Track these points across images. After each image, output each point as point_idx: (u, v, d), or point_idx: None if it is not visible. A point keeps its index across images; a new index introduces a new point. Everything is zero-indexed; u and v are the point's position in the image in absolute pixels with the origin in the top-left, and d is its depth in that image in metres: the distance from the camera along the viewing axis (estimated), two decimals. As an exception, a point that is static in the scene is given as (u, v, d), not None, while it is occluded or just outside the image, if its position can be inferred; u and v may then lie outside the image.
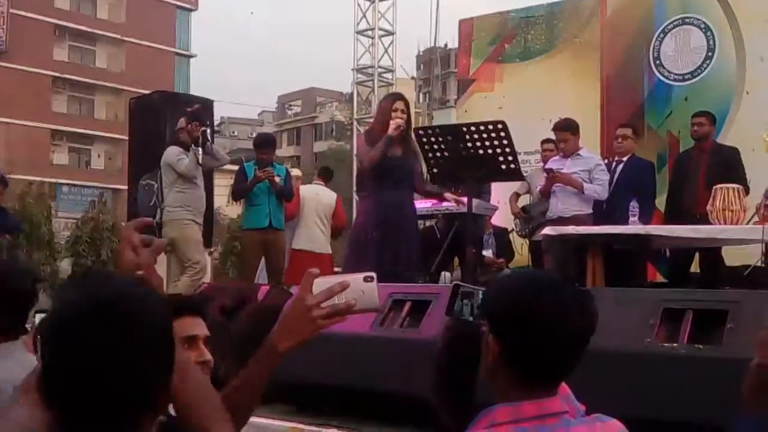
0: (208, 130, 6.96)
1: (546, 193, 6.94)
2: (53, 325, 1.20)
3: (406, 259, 5.77)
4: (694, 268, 6.93)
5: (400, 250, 5.75)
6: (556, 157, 7.07)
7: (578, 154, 6.82)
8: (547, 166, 7.05)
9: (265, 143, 7.84)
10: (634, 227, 6.09)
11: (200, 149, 6.83)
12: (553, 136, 7.23)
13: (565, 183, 6.66)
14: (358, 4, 19.09)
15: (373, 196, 5.96)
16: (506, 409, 1.56)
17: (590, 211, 6.68)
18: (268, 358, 1.62)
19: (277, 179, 7.44)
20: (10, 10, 36.25)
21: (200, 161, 6.88)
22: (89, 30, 39.83)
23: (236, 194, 7.77)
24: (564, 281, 1.73)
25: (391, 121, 5.72)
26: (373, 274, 1.62)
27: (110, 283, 1.27)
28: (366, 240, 5.82)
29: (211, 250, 7.91)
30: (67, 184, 37.17)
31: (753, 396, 1.45)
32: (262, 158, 7.58)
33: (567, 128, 6.86)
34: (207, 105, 7.25)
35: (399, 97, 6.19)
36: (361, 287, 1.59)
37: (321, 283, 1.58)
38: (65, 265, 21.46)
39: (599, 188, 6.66)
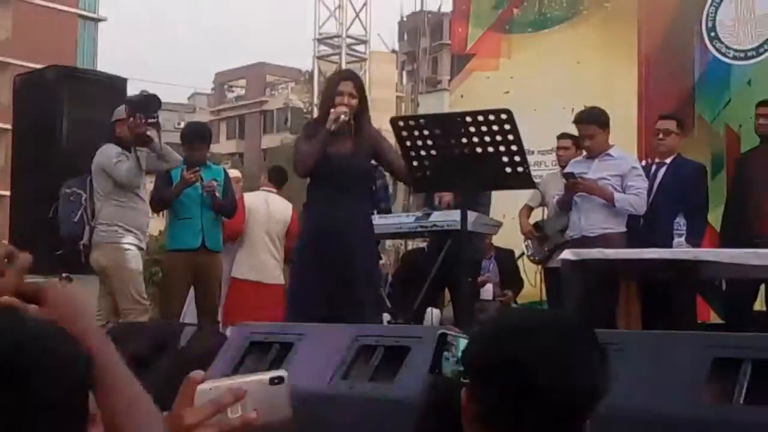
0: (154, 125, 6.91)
1: (565, 205, 6.96)
2: None
3: (360, 288, 5.77)
4: (759, 305, 6.99)
5: (351, 275, 5.74)
6: (579, 158, 7.10)
7: (608, 154, 6.84)
8: (567, 170, 7.07)
9: (195, 136, 7.82)
10: (679, 251, 6.12)
11: (145, 150, 6.80)
12: (574, 130, 7.27)
13: (591, 192, 6.68)
14: (321, -46, 19.15)
15: (313, 206, 6.00)
16: None
17: (623, 229, 6.71)
18: None
19: (214, 184, 7.42)
20: None
21: (143, 166, 6.86)
22: (-37, -17, 39.71)
23: (157, 204, 7.71)
24: (568, 323, 1.73)
25: (331, 111, 5.73)
26: (284, 374, 1.56)
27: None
28: (307, 265, 5.82)
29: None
30: (-68, 189, 36.95)
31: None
32: (193, 155, 7.57)
33: (593, 120, 6.89)
34: (151, 95, 7.19)
35: (346, 75, 6.22)
36: (266, 392, 1.53)
37: (206, 392, 1.50)
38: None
39: (635, 199, 6.69)
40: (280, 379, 1.54)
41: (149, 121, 6.79)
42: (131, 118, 6.76)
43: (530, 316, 1.93)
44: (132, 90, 8.09)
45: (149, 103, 6.97)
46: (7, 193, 8.27)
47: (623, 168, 6.79)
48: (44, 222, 7.31)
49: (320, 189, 5.92)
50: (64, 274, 7.07)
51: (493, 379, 1.60)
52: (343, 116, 5.71)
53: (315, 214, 5.97)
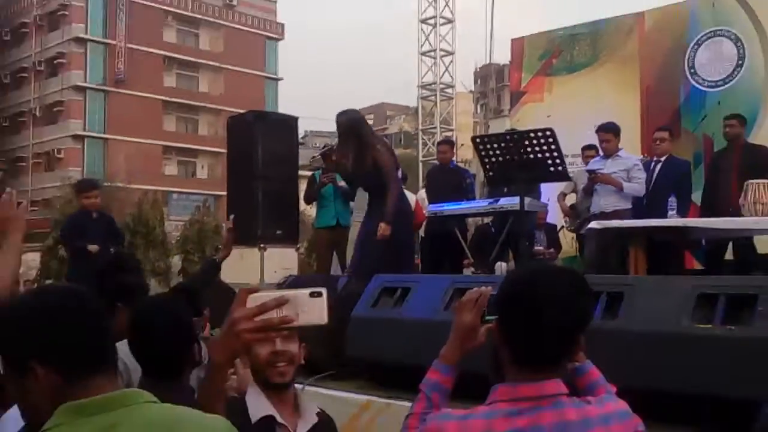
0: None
1: (589, 192, 6.82)
2: None
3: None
4: (729, 256, 6.71)
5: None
6: (597, 158, 6.95)
7: (617, 155, 6.70)
8: (588, 167, 6.92)
9: (329, 152, 7.88)
10: (673, 220, 5.94)
11: None
12: (594, 142, 7.09)
13: (606, 182, 6.54)
14: (422, 29, 19.09)
15: None
16: (505, 389, 1.54)
17: (629, 206, 6.55)
18: (209, 369, 1.48)
19: (341, 184, 7.47)
20: (127, 45, 37.45)
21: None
22: (193, 59, 40.83)
23: (306, 198, 7.83)
24: (562, 271, 1.68)
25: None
26: (322, 290, 1.40)
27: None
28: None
29: (298, 246, 7.99)
30: (177, 192, 38.17)
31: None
32: (329, 165, 7.63)
33: (610, 130, 6.75)
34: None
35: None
36: (306, 303, 1.37)
37: (255, 298, 1.36)
38: (176, 261, 22.06)
39: (637, 186, 6.52)
40: (318, 294, 1.39)
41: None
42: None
43: (536, 267, 1.89)
44: (301, 123, 8.23)
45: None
46: (225, 193, 8.50)
47: (629, 164, 6.64)
48: (246, 210, 7.47)
49: None
50: (261, 245, 7.24)
51: (508, 309, 1.58)
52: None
53: None
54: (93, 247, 6.60)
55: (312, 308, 1.37)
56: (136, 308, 2.35)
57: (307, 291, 1.39)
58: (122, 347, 2.16)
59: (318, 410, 2.14)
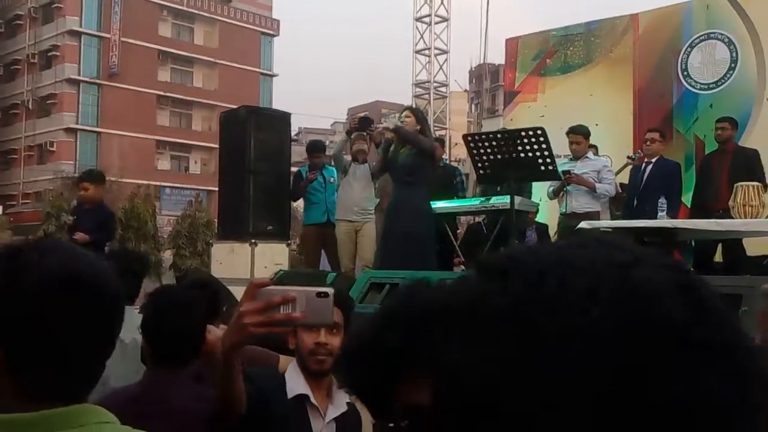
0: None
1: (558, 193, 6.88)
2: None
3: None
4: (718, 257, 6.76)
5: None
6: (565, 160, 6.97)
7: (586, 157, 6.80)
8: (563, 169, 6.94)
9: (314, 148, 7.85)
10: (662, 221, 5.97)
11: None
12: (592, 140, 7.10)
13: (580, 183, 6.60)
14: (417, 27, 19.10)
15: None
16: None
17: (600, 208, 6.66)
18: (221, 354, 1.52)
19: (331, 180, 7.48)
20: (121, 39, 37.32)
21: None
22: (188, 54, 40.71)
23: (292, 195, 7.81)
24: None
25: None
26: (329, 290, 1.41)
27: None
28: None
29: (290, 242, 7.98)
30: (169, 187, 38.10)
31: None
32: (315, 161, 7.60)
33: (581, 132, 6.84)
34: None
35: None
36: (312, 302, 1.38)
37: (264, 292, 1.38)
38: (167, 256, 22.01)
39: (609, 187, 6.68)
40: (326, 294, 1.39)
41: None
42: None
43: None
44: (294, 120, 8.22)
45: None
46: (217, 189, 8.49)
47: (598, 166, 6.77)
48: (238, 205, 7.47)
49: None
50: (252, 240, 7.22)
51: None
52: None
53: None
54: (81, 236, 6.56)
55: (318, 308, 1.38)
56: (154, 296, 2.39)
57: (314, 290, 1.39)
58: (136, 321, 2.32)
59: (348, 400, 2.25)
